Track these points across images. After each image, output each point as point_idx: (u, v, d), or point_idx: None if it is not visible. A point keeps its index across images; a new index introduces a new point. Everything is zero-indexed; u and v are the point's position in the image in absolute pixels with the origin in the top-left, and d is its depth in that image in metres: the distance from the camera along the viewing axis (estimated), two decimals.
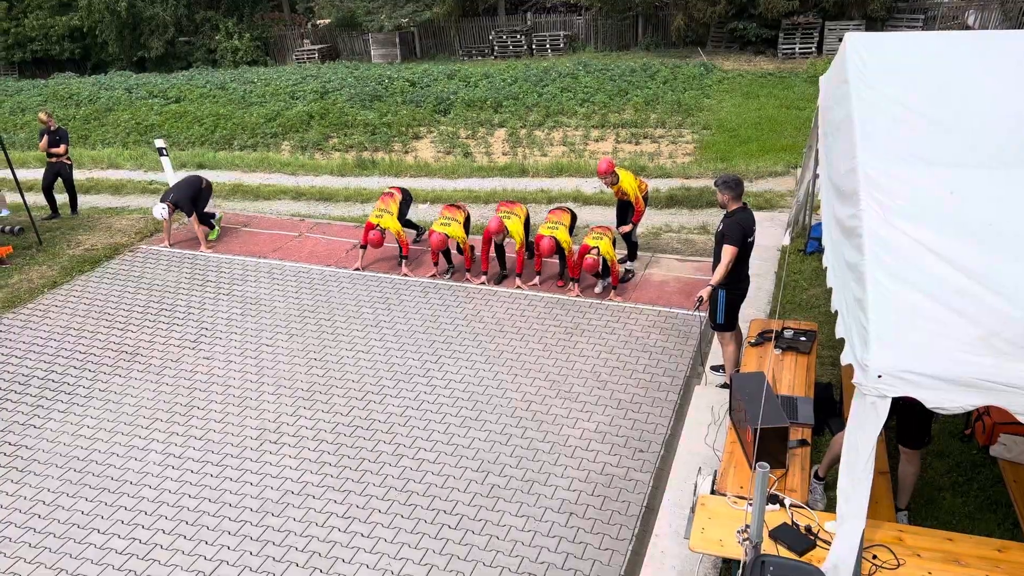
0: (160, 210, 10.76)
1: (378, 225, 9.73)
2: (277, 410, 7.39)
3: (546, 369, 7.73)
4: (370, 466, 6.54)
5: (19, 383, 8.15)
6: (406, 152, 16.67)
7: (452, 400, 7.35)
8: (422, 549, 5.64)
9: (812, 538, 4.25)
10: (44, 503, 6.38)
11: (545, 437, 6.74)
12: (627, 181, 8.91)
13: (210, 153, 17.04)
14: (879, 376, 3.51)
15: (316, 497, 6.22)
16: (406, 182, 13.69)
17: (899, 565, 4.10)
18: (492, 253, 9.59)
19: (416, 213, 11.61)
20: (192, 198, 10.94)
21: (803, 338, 6.33)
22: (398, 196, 10.11)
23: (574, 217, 9.42)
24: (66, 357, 8.60)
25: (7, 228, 12.00)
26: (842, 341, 3.98)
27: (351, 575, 5.44)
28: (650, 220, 10.88)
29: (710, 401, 6.39)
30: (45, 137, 12.16)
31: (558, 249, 8.98)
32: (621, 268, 9.26)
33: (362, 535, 5.80)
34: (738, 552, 4.19)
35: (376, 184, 13.71)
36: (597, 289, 9.09)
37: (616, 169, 8.83)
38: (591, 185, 12.64)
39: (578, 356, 7.91)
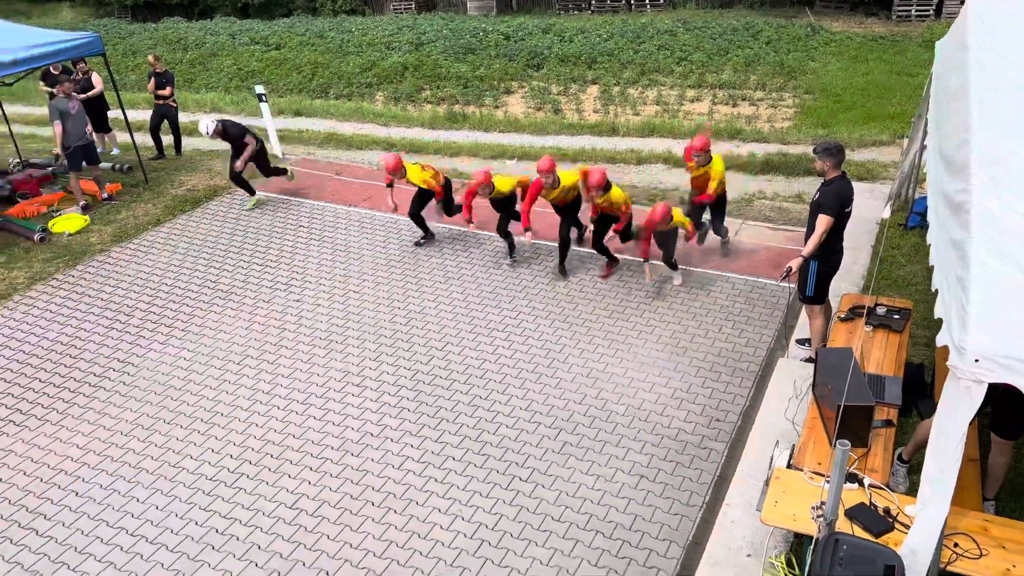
0: (206, 124, 10.55)
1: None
2: (361, 355, 7.62)
3: (625, 332, 7.69)
4: (447, 415, 6.69)
5: (124, 314, 8.64)
6: (496, 107, 16.62)
7: (529, 356, 7.41)
8: (493, 499, 5.76)
9: (891, 520, 4.14)
10: (143, 427, 6.80)
11: (620, 399, 6.74)
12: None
13: (307, 100, 17.41)
14: (976, 360, 3.34)
15: (394, 440, 6.42)
16: (495, 137, 13.68)
17: (981, 556, 3.96)
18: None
19: (503, 171, 11.61)
20: (243, 132, 10.77)
21: (896, 316, 6.09)
22: (441, 178, 9.43)
23: None
24: (166, 292, 9.05)
25: (117, 166, 12.65)
26: (938, 322, 3.80)
27: (424, 517, 5.63)
28: (743, 186, 10.59)
29: (793, 374, 6.25)
30: (152, 79, 12.70)
31: (608, 219, 8.42)
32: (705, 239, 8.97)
33: (436, 480, 5.97)
34: (811, 528, 4.12)
35: (465, 138, 13.75)
36: (676, 281, 8.51)
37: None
38: (683, 147, 12.32)
39: (659, 321, 7.83)
